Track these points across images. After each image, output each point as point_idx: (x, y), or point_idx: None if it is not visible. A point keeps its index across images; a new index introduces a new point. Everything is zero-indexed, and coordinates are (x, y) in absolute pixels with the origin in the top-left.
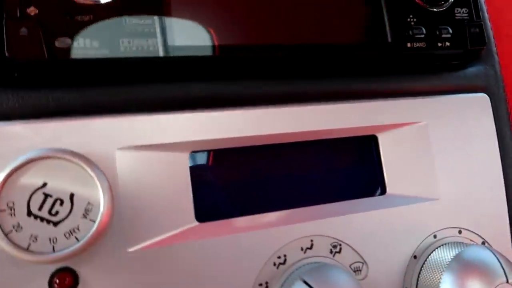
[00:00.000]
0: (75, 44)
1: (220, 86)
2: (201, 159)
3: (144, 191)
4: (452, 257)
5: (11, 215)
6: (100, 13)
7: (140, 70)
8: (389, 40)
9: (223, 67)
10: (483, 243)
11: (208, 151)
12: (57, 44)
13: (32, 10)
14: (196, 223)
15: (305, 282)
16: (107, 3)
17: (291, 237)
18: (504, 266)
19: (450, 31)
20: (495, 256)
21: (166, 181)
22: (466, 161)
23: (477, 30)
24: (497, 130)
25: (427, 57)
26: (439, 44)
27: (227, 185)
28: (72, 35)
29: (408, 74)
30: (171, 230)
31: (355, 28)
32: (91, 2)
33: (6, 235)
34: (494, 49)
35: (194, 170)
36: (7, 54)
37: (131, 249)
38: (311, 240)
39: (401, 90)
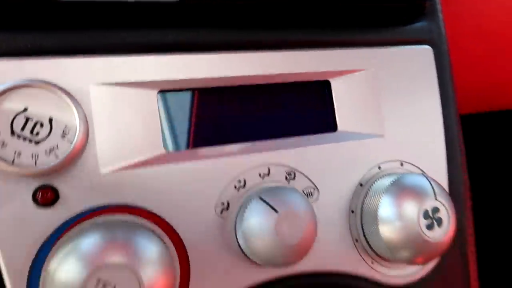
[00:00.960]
0: None
1: (186, 33)
2: (169, 96)
3: (116, 121)
4: (390, 182)
5: None
6: None
7: (112, 14)
8: None
9: (189, 14)
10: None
11: (175, 90)
12: None
13: None
14: (164, 151)
15: (262, 199)
16: None
17: (251, 165)
18: (434, 187)
19: None
20: (427, 179)
21: (136, 114)
22: (410, 104)
23: None
24: (438, 78)
25: (376, 9)
26: None
27: (192, 119)
28: None
29: (360, 27)
30: (140, 156)
31: None
32: None
33: None
34: (439, 7)
35: (162, 106)
36: None
37: (103, 171)
38: (269, 168)
39: (353, 41)
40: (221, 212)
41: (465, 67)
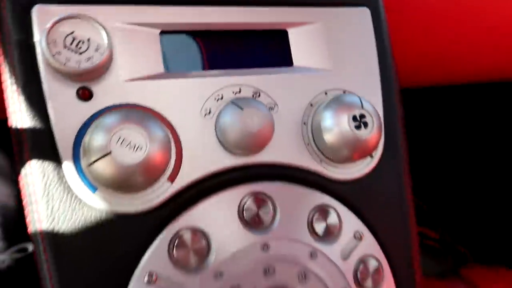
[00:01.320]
0: None
1: None
2: (168, 35)
3: (130, 47)
4: (330, 99)
5: (54, 46)
6: None
7: None
8: None
9: None
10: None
11: (173, 31)
12: None
13: None
14: (163, 70)
15: (233, 102)
16: None
17: (226, 84)
18: (361, 101)
19: None
20: (357, 97)
21: (144, 46)
22: (353, 48)
23: None
24: (375, 32)
25: None
26: None
27: (184, 51)
28: None
29: None
30: (148, 72)
31: None
32: None
33: (52, 56)
34: None
35: (163, 42)
36: None
37: (124, 80)
38: (240, 88)
39: (306, 3)
40: (205, 115)
41: (404, 42)
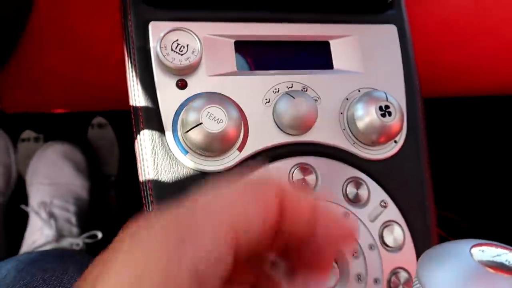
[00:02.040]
0: None
1: (249, 13)
2: (240, 43)
3: (211, 52)
4: (362, 94)
5: (165, 49)
6: None
7: (212, 1)
8: None
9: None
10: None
11: (243, 41)
12: None
13: None
14: (236, 70)
15: (288, 94)
16: None
17: (282, 81)
18: (386, 95)
19: None
20: (383, 92)
21: (222, 51)
22: (382, 56)
23: None
24: (400, 45)
25: (356, 3)
26: None
27: (252, 55)
28: None
29: (347, 13)
30: (225, 70)
31: None
32: None
33: (164, 56)
34: (403, 3)
35: (236, 49)
36: None
37: (208, 75)
38: (292, 83)
39: (345, 20)
40: (265, 103)
41: (428, 50)
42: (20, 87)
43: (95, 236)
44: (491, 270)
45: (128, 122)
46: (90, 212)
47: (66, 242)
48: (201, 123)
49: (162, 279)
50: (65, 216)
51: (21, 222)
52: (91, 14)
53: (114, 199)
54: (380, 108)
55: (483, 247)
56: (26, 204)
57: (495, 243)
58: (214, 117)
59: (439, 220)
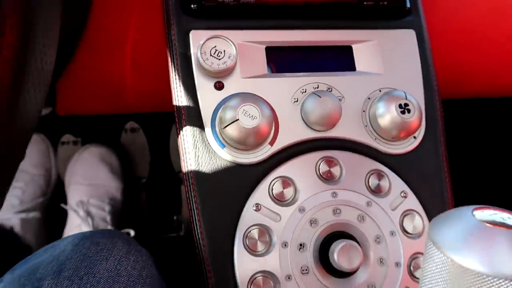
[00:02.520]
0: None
1: (278, 22)
2: (271, 49)
3: (246, 57)
4: (383, 94)
5: (205, 55)
6: None
7: (246, 11)
8: (356, 0)
9: (279, 13)
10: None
11: (274, 47)
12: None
13: None
14: (267, 72)
15: (314, 93)
16: None
17: (308, 82)
18: (405, 94)
19: None
20: (403, 91)
21: (256, 55)
22: (401, 59)
23: None
24: (419, 48)
25: (376, 10)
26: (380, 3)
27: (281, 59)
28: None
29: (372, 20)
30: (257, 73)
31: None
32: None
33: (204, 61)
34: (420, 7)
35: (267, 54)
36: (203, 3)
37: (242, 78)
38: (318, 84)
39: (368, 26)
40: (294, 102)
41: (446, 53)
42: (73, 90)
43: (128, 234)
44: (489, 225)
45: (159, 126)
46: (123, 212)
47: None
48: (238, 119)
49: None
50: (101, 215)
51: (60, 220)
52: (138, 23)
53: (144, 201)
54: (400, 106)
55: (483, 210)
56: (65, 203)
57: (493, 207)
58: (249, 114)
59: None
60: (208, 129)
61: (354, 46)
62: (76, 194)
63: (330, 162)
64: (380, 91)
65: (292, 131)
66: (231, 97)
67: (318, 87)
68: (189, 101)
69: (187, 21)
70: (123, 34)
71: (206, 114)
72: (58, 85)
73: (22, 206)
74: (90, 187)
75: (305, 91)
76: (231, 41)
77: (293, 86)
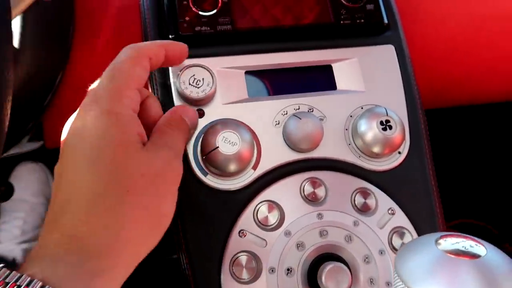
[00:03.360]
0: (201, 28)
1: (255, 46)
2: (250, 74)
3: (231, 84)
4: (364, 111)
5: (184, 84)
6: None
7: (224, 38)
8: (332, 20)
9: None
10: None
11: (252, 71)
12: (196, 29)
13: (187, 17)
14: (247, 96)
15: (295, 115)
16: (212, 13)
17: (289, 104)
18: (386, 110)
19: (364, 15)
20: (384, 107)
21: (234, 80)
22: (382, 75)
23: (378, 14)
24: (399, 62)
25: (353, 28)
26: (358, 21)
27: (261, 83)
28: (200, 25)
29: (350, 37)
30: (237, 98)
31: (317, 16)
32: (207, 14)
33: (183, 90)
34: (399, 22)
35: (247, 78)
36: (180, 32)
37: (222, 104)
38: (299, 106)
39: (346, 44)
40: (275, 125)
41: (428, 66)
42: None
43: None
44: (452, 256)
45: None
46: None
47: None
48: (217, 147)
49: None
50: None
51: None
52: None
53: None
54: (381, 122)
55: (447, 238)
56: None
57: (458, 233)
58: (229, 140)
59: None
60: (191, 157)
61: (334, 65)
62: None
63: (314, 183)
64: (362, 108)
65: (275, 154)
66: (210, 125)
67: (299, 109)
68: None
69: None
70: (105, 67)
71: (189, 144)
72: (44, 118)
73: (24, 237)
74: None
75: (286, 113)
76: (209, 69)
77: (274, 109)
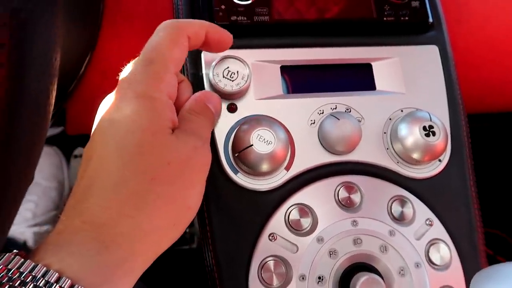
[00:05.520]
0: (237, 18)
1: (294, 39)
2: (286, 68)
3: (261, 78)
4: (405, 114)
5: (217, 76)
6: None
7: (260, 30)
8: (375, 16)
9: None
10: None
11: (290, 66)
12: (231, 18)
13: (222, 6)
14: (282, 93)
15: (332, 115)
16: (249, 3)
17: (326, 103)
18: (430, 115)
19: (408, 12)
20: (427, 112)
21: (270, 75)
22: (424, 77)
23: (424, 11)
24: (442, 65)
25: (397, 26)
26: (402, 19)
27: (297, 79)
28: (236, 15)
29: (389, 36)
30: (271, 94)
31: (359, 10)
32: (243, 2)
33: (216, 83)
34: (443, 21)
35: (282, 73)
36: (215, 21)
37: (256, 99)
38: (336, 105)
39: (388, 43)
40: (311, 124)
41: (470, 68)
42: (83, 110)
43: None
44: None
45: None
46: None
47: None
48: (252, 145)
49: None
50: None
51: None
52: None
53: None
54: (424, 128)
55: None
56: None
57: None
58: (264, 139)
59: (485, 237)
60: (221, 154)
61: (373, 64)
62: None
63: (349, 188)
64: (402, 111)
65: (309, 155)
66: (244, 121)
67: (336, 108)
68: None
69: None
70: (133, 54)
71: (219, 138)
72: (68, 105)
73: (35, 220)
74: None
75: (323, 112)
76: (244, 61)
77: (310, 107)
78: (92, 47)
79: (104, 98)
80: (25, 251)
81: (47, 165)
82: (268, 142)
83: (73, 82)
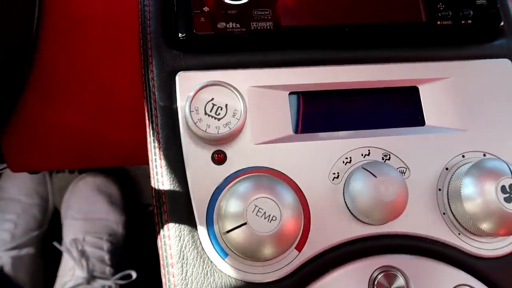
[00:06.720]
0: (226, 25)
1: (305, 53)
2: (296, 96)
3: (262, 111)
4: (471, 165)
5: (197, 113)
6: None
7: (261, 41)
8: (424, 19)
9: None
10: None
11: (301, 92)
12: (218, 26)
13: (206, 8)
14: (292, 133)
15: (364, 168)
16: (244, 3)
17: (355, 146)
18: (510, 167)
19: (471, 13)
20: (504, 161)
21: (275, 107)
22: (492, 105)
23: (493, 11)
24: None
25: (454, 32)
26: (462, 22)
27: (312, 112)
28: (226, 21)
29: (443, 46)
30: (277, 135)
31: (400, 12)
32: (236, 2)
33: (195, 123)
34: None
35: (291, 102)
36: (194, 31)
37: (253, 143)
38: (369, 150)
39: (435, 57)
40: (333, 179)
41: None
42: (26, 144)
43: (129, 276)
44: None
45: None
46: (125, 247)
47: (97, 284)
48: (246, 223)
49: None
50: (98, 255)
51: (58, 255)
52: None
53: (152, 231)
54: (503, 188)
55: None
56: (61, 238)
57: None
58: (264, 213)
59: None
60: (202, 228)
61: (421, 87)
62: (71, 230)
63: (391, 276)
64: (463, 156)
65: (330, 226)
66: (236, 178)
67: (369, 154)
68: (174, 183)
69: (172, 57)
70: (86, 70)
71: (199, 204)
72: (6, 137)
73: (13, 242)
74: (86, 222)
75: (350, 161)
76: (236, 90)
77: (331, 153)
78: (28, 63)
79: (48, 125)
80: (1, 277)
81: (27, 179)
82: (271, 217)
83: (8, 107)
